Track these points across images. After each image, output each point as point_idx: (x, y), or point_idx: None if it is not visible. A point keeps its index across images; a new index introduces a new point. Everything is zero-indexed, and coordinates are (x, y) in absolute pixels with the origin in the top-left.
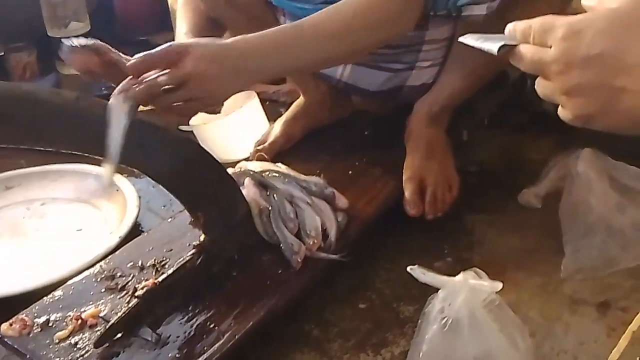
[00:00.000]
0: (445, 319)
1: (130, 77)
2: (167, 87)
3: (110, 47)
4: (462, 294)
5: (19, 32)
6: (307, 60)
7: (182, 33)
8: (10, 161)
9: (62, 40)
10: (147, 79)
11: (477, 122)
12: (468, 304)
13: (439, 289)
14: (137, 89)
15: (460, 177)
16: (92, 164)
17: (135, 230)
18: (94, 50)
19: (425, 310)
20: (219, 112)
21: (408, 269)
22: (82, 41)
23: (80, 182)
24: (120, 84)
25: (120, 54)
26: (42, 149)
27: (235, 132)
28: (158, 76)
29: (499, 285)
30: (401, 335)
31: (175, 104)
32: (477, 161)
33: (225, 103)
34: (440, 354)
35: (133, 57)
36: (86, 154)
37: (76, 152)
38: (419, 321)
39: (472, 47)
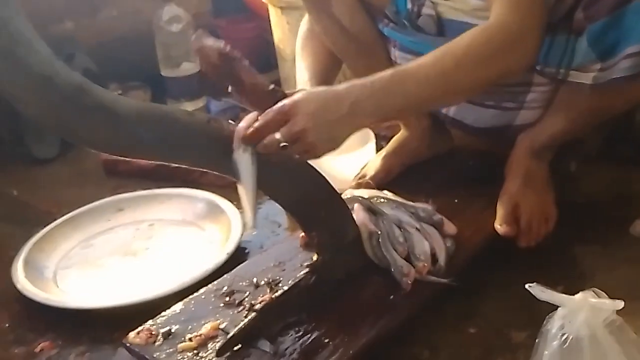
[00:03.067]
0: (566, 336)
1: (246, 125)
2: (283, 144)
3: (239, 57)
4: (582, 312)
5: (135, 72)
6: (422, 99)
7: (303, 81)
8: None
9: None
10: (266, 139)
11: (585, 154)
12: (589, 323)
13: (553, 312)
14: (259, 145)
15: (566, 210)
16: (197, 189)
17: (241, 253)
18: (223, 55)
19: (543, 329)
20: None
21: (526, 286)
22: (221, 45)
23: (185, 204)
24: (237, 135)
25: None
26: (174, 164)
27: (348, 169)
28: (275, 134)
29: (620, 304)
30: None
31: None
32: (585, 193)
33: None
34: None
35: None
36: (211, 171)
37: (204, 169)
38: (537, 340)
39: None
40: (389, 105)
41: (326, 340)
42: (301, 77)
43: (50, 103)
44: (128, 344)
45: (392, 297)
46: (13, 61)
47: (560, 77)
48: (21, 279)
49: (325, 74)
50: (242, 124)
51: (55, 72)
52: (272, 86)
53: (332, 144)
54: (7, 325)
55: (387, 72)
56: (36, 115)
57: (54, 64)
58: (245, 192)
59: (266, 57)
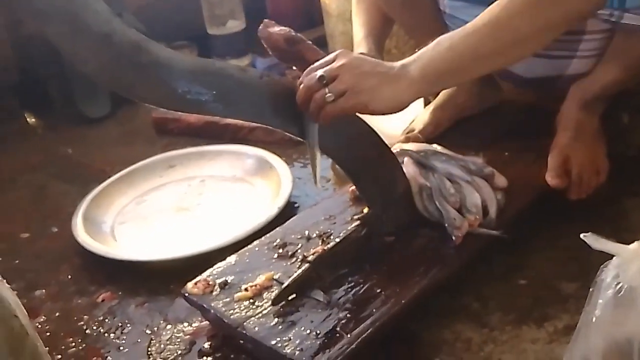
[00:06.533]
0: (620, 285)
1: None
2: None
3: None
4: (637, 261)
5: (181, 30)
6: (474, 54)
7: (359, 39)
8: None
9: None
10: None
11: (639, 106)
12: None
13: (608, 262)
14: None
15: (618, 163)
16: (246, 145)
17: (291, 208)
18: (289, 39)
19: (597, 279)
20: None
21: (581, 235)
22: (286, 31)
23: (235, 161)
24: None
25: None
26: (227, 119)
27: (396, 124)
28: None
29: None
30: (563, 311)
31: (328, 95)
32: (637, 146)
33: None
34: (614, 321)
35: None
36: (261, 127)
37: (256, 124)
38: (590, 289)
39: None
40: (435, 65)
41: (378, 290)
42: (357, 34)
43: (108, 60)
44: (186, 294)
45: (442, 249)
46: (73, 20)
47: (613, 20)
48: (81, 234)
49: (381, 30)
50: None
51: (113, 30)
52: None
53: (375, 99)
54: (69, 277)
55: (443, 36)
56: (95, 72)
57: (112, 22)
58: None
59: (311, 13)
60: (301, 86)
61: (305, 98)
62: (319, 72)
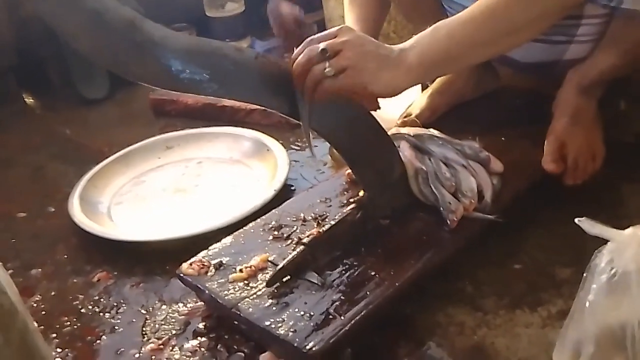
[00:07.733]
0: (614, 270)
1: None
2: (322, 48)
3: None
4: (631, 247)
5: (180, 13)
6: (470, 42)
7: (351, 21)
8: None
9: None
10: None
11: (636, 92)
12: (637, 258)
13: (602, 247)
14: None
15: (614, 149)
16: (243, 127)
17: (287, 190)
18: (299, 21)
19: (591, 263)
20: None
21: (576, 220)
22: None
23: (233, 143)
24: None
25: None
26: (223, 99)
27: (394, 108)
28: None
29: None
30: (558, 295)
31: (327, 70)
32: (634, 132)
33: None
34: (607, 306)
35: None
36: (258, 108)
37: (252, 104)
38: (584, 274)
39: None
40: (433, 52)
41: (372, 273)
42: (349, 21)
43: (101, 38)
44: (181, 275)
45: (437, 232)
46: None
47: (613, 5)
48: (78, 214)
49: (375, 16)
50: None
51: (106, 8)
52: None
53: (375, 81)
54: (65, 257)
55: (440, 22)
56: (88, 51)
57: (106, 0)
58: (302, 122)
59: None
60: (300, 57)
61: (303, 70)
62: (321, 45)
